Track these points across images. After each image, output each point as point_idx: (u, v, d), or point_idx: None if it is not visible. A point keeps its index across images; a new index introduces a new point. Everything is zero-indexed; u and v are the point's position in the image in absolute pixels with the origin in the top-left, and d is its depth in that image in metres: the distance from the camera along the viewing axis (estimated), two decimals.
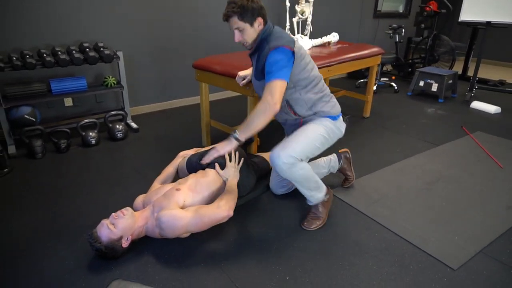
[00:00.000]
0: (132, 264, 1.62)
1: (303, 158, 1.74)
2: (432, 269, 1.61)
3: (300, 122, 1.88)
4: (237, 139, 1.67)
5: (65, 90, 2.87)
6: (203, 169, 1.93)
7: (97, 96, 3.37)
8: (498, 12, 3.80)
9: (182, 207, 1.70)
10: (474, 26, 4.90)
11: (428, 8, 4.86)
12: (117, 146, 2.88)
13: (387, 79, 5.02)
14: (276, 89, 1.61)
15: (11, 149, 2.68)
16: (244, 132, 1.66)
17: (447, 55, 5.18)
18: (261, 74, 1.76)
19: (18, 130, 2.71)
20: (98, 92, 3.09)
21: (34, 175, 2.40)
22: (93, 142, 2.85)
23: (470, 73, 5.24)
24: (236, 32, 1.70)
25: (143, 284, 1.46)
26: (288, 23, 3.79)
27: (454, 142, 3.03)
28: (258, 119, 1.63)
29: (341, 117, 1.91)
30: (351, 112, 3.76)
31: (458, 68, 5.37)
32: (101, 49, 2.91)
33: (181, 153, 2.16)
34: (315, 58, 2.72)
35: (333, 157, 2.20)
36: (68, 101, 3.22)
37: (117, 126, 2.98)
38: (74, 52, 2.75)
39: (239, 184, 1.90)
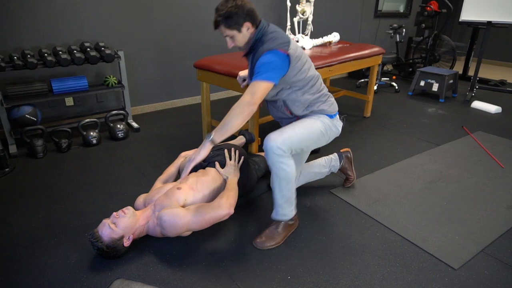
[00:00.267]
0: (133, 263, 1.62)
1: (298, 149, 1.71)
2: (433, 269, 1.61)
3: (296, 119, 1.88)
4: (212, 141, 1.61)
5: (66, 90, 2.87)
6: (204, 168, 1.94)
7: (98, 96, 3.37)
8: (499, 12, 3.80)
9: (183, 206, 1.70)
10: (474, 26, 4.90)
11: (428, 8, 4.85)
12: (118, 146, 2.88)
13: (388, 79, 5.02)
14: (258, 90, 1.57)
15: (12, 149, 2.69)
16: (220, 133, 1.60)
17: (447, 55, 5.18)
18: None
19: (19, 130, 2.71)
20: (99, 92, 3.09)
21: (35, 175, 2.40)
22: (94, 141, 2.86)
23: (471, 73, 5.24)
24: (228, 39, 1.67)
25: (145, 283, 1.46)
26: (289, 23, 3.79)
27: (455, 141, 3.03)
28: (235, 120, 1.57)
29: (338, 116, 1.90)
30: (351, 112, 3.77)
31: (458, 68, 5.37)
32: (102, 48, 2.91)
33: (183, 154, 2.16)
34: (316, 58, 2.72)
35: (334, 156, 2.20)
36: (69, 101, 3.22)
37: (118, 126, 2.98)
38: (75, 51, 2.76)
39: (240, 183, 1.90)
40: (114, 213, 1.61)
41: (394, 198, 2.17)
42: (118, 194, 2.18)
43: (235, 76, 2.22)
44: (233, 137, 2.41)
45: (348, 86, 4.83)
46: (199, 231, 1.78)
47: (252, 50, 1.71)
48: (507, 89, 4.50)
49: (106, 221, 1.58)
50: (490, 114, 3.79)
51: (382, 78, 4.96)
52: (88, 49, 2.85)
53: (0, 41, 2.76)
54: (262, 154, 2.35)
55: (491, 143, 2.99)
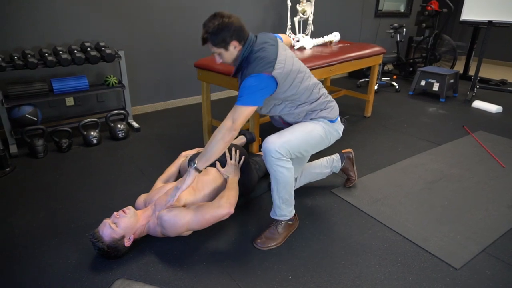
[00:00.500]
0: (134, 263, 1.62)
1: (296, 153, 1.69)
2: (434, 269, 1.61)
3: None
4: (196, 169, 1.61)
5: (66, 90, 2.87)
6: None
7: (98, 96, 3.37)
8: (500, 11, 3.79)
9: (184, 206, 1.70)
10: (475, 26, 4.89)
11: (429, 8, 4.85)
12: (118, 146, 2.88)
13: (388, 78, 5.01)
14: (240, 116, 1.54)
15: (13, 149, 2.68)
16: (203, 160, 1.58)
17: (448, 54, 5.17)
18: None
19: (20, 130, 2.71)
20: (99, 92, 3.09)
21: (35, 175, 2.40)
22: (95, 141, 2.85)
23: (472, 72, 5.23)
24: (216, 56, 1.66)
25: (146, 283, 1.46)
26: (289, 23, 3.79)
27: (456, 141, 3.03)
28: (217, 147, 1.56)
29: (339, 119, 1.87)
30: (352, 111, 3.76)
31: (459, 67, 5.36)
32: (103, 48, 2.91)
33: (183, 153, 2.17)
34: (316, 57, 2.72)
35: (335, 157, 2.20)
36: (70, 101, 3.22)
37: (119, 126, 2.98)
38: (75, 51, 2.76)
39: (240, 182, 1.90)
40: (115, 213, 1.61)
41: (395, 198, 2.16)
42: (118, 194, 2.18)
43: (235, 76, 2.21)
44: None
45: (348, 86, 4.82)
46: (199, 231, 1.78)
47: (240, 69, 1.69)
48: (508, 88, 4.49)
49: (107, 221, 1.58)
50: (491, 114, 3.78)
51: (383, 78, 4.95)
52: (89, 49, 2.85)
53: (0, 41, 2.75)
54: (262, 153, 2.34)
55: (492, 143, 2.99)
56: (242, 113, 1.55)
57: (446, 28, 5.78)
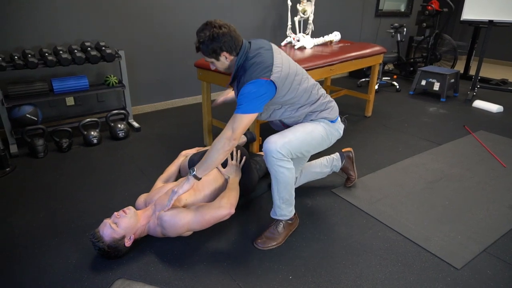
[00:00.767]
0: (134, 263, 1.61)
1: (297, 154, 1.69)
2: (435, 269, 1.61)
3: None
4: (195, 177, 1.60)
5: (67, 89, 2.86)
6: None
7: (98, 95, 3.37)
8: (501, 10, 3.79)
9: (184, 206, 1.70)
10: (476, 25, 4.88)
11: (430, 7, 4.84)
12: (118, 145, 2.88)
13: (389, 78, 5.01)
14: (240, 125, 1.53)
15: (13, 148, 2.68)
16: (202, 169, 1.57)
17: (449, 54, 5.16)
18: None
19: (20, 129, 2.71)
20: (99, 91, 3.08)
21: (36, 174, 2.40)
22: (95, 141, 2.85)
23: (472, 72, 5.23)
24: (209, 63, 1.65)
25: (146, 283, 1.46)
26: (289, 22, 3.78)
27: (457, 141, 3.02)
28: (216, 156, 1.54)
29: (339, 119, 1.87)
30: (352, 111, 3.76)
31: (460, 67, 5.36)
32: (103, 48, 2.91)
33: (183, 152, 2.16)
34: (317, 57, 2.71)
35: (336, 156, 2.20)
36: (70, 100, 3.22)
37: (119, 125, 2.98)
38: (75, 51, 2.75)
39: (241, 183, 1.89)
40: (115, 213, 1.61)
41: (396, 198, 2.16)
42: (118, 194, 2.18)
43: (231, 84, 2.19)
44: None
45: (349, 86, 4.82)
46: (200, 231, 1.78)
47: (236, 77, 1.67)
48: (509, 88, 4.48)
49: (107, 221, 1.57)
50: (492, 113, 3.78)
51: (383, 78, 4.95)
52: (89, 48, 2.85)
53: (0, 41, 2.75)
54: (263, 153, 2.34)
55: (493, 142, 2.99)
56: (242, 122, 1.53)
57: (446, 28, 5.78)
